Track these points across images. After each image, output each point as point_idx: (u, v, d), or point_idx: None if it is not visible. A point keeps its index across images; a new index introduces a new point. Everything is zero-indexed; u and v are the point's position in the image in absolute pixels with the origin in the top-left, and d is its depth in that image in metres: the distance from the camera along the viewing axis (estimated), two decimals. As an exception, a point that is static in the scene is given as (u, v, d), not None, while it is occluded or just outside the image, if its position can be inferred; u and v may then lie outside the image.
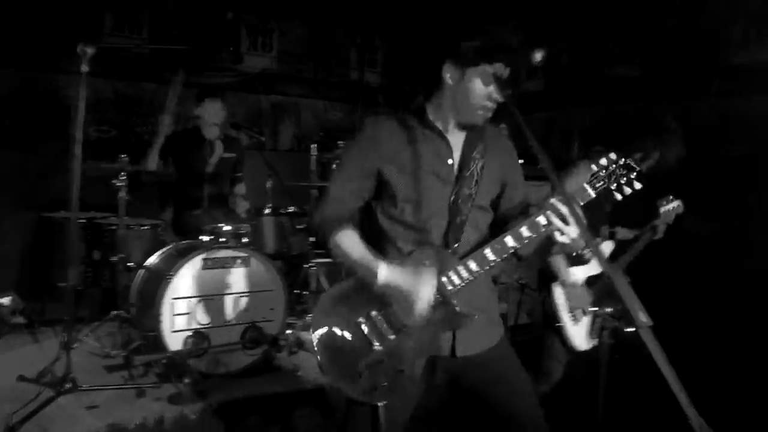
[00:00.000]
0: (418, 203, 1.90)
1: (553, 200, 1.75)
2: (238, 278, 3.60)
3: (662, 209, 3.23)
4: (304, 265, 4.62)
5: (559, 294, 2.95)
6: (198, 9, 5.06)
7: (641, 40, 4.91)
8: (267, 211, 4.25)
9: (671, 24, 4.82)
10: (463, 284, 1.83)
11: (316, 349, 1.85)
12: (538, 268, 3.15)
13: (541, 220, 1.77)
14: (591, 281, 3.01)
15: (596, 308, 3.04)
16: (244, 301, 3.60)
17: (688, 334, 3.64)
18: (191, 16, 5.01)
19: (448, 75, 1.85)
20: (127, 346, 3.58)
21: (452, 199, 1.92)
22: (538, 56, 3.59)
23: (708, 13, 4.71)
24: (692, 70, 4.70)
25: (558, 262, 2.95)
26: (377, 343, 1.82)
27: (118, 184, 3.68)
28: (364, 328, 1.83)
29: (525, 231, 1.78)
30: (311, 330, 1.88)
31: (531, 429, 1.94)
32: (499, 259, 1.82)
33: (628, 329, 1.84)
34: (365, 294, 1.84)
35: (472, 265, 1.82)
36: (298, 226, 4.36)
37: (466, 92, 1.84)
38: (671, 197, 3.24)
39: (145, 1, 4.91)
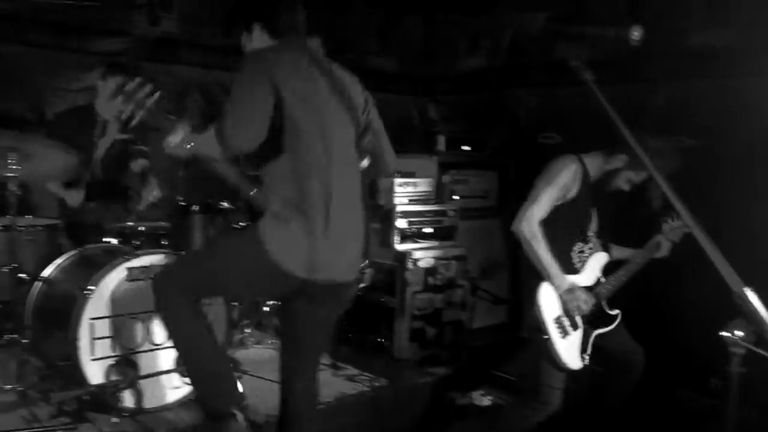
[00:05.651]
0: None
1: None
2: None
3: (665, 226, 3.02)
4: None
5: (547, 300, 2.67)
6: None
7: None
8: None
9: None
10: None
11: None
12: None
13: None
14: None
15: None
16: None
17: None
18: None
19: None
20: (25, 379, 2.87)
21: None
22: (635, 34, 3.19)
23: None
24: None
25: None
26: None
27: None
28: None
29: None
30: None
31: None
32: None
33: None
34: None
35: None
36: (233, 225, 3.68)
37: None
38: (675, 215, 2.95)
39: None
